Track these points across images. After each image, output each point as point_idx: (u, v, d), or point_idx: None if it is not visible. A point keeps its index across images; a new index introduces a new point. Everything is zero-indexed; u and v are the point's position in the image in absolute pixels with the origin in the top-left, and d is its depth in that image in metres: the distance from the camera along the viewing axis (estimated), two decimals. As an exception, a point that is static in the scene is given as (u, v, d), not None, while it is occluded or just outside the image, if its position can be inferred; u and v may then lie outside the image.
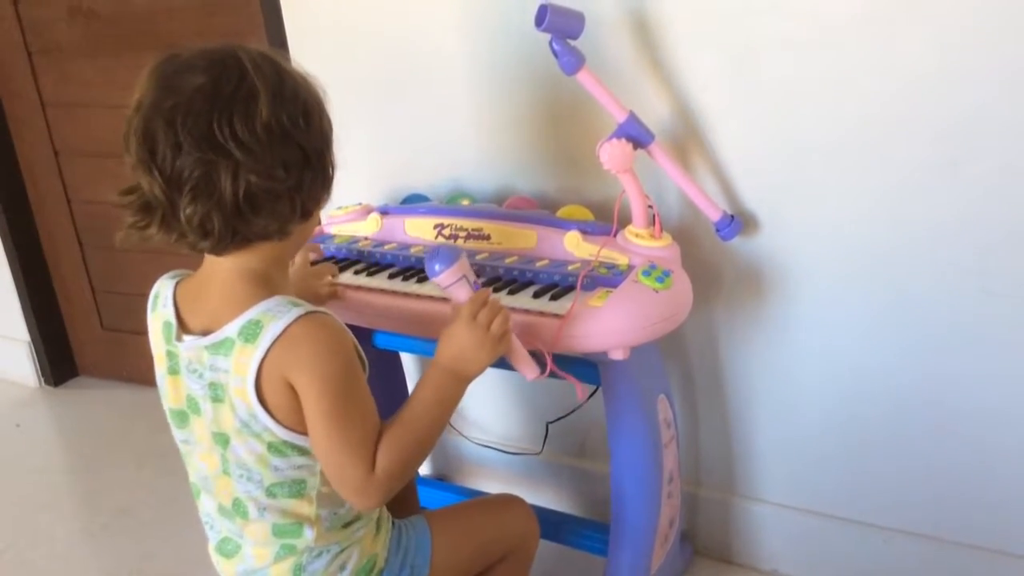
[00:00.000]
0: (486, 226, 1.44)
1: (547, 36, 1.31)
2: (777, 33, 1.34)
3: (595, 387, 1.46)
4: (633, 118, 1.35)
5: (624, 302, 1.24)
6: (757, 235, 1.46)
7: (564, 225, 1.40)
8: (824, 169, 1.38)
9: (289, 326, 1.00)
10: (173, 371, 1.09)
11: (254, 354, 1.00)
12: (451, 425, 1.88)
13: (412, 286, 1.38)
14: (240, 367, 1.01)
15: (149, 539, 1.95)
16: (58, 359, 2.71)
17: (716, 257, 1.51)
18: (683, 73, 1.42)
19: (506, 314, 1.17)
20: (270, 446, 1.05)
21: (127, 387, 2.64)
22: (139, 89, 1.00)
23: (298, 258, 1.35)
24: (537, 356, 1.23)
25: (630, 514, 1.41)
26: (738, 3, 1.35)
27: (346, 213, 1.58)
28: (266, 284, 1.05)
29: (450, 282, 1.16)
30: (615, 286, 1.27)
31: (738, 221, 1.42)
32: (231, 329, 1.02)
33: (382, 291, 1.39)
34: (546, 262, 1.36)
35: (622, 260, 1.33)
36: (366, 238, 1.54)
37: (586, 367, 1.36)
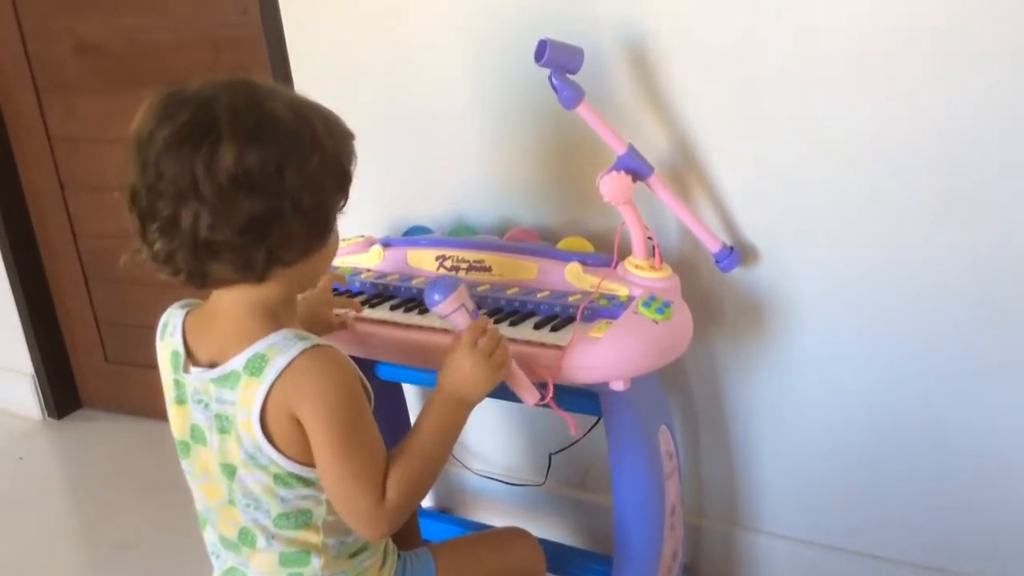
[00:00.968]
0: (487, 258, 1.45)
1: (547, 71, 1.33)
2: (774, 67, 1.35)
3: (596, 418, 1.46)
4: (632, 151, 1.36)
5: (624, 333, 1.24)
6: (757, 266, 1.47)
7: (565, 257, 1.41)
8: (822, 200, 1.39)
9: (294, 360, 1.00)
10: (180, 400, 1.10)
11: (259, 388, 1.00)
12: (454, 456, 1.89)
13: (414, 317, 1.38)
14: (246, 400, 1.01)
15: (151, 573, 1.94)
16: (61, 392, 2.70)
17: (716, 288, 1.51)
18: (682, 106, 1.44)
19: (505, 342, 1.18)
20: (276, 477, 1.05)
21: (130, 420, 2.63)
22: (136, 118, 1.02)
23: (322, 282, 1.35)
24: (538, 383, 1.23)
25: (633, 546, 1.40)
26: (735, 38, 1.37)
27: (349, 245, 1.59)
28: (272, 317, 1.06)
29: (449, 311, 1.17)
30: (615, 317, 1.27)
31: (737, 252, 1.43)
32: (237, 363, 1.03)
33: (384, 322, 1.40)
34: (547, 293, 1.37)
35: (622, 291, 1.34)
36: (368, 270, 1.55)
37: (587, 398, 1.36)
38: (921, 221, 1.34)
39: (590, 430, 1.62)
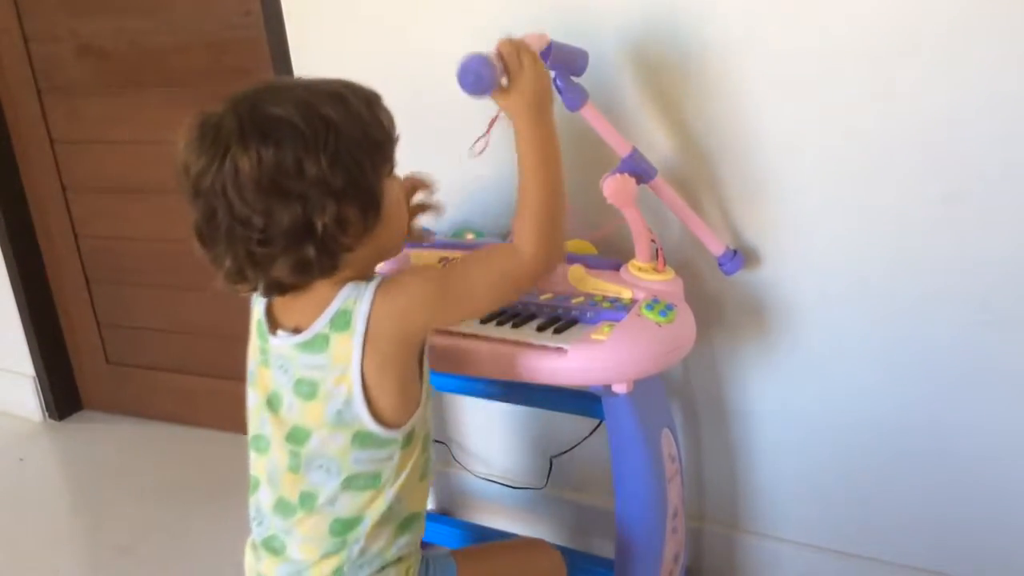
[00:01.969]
0: (490, 260, 1.44)
1: (551, 73, 1.33)
2: (777, 68, 1.36)
3: (598, 421, 1.46)
4: (636, 153, 1.36)
5: (627, 336, 1.24)
6: (759, 269, 1.47)
7: (568, 259, 1.41)
8: (825, 204, 1.39)
9: (374, 296, 1.05)
10: (264, 364, 1.13)
11: (352, 339, 1.05)
12: (454, 459, 1.89)
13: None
14: (341, 356, 1.05)
15: (153, 575, 1.94)
16: (63, 393, 2.70)
17: (719, 291, 1.51)
18: (685, 109, 1.44)
19: (520, 42, 1.18)
20: (355, 436, 1.08)
21: (132, 421, 2.63)
22: (176, 151, 1.08)
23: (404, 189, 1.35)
24: None
25: (634, 549, 1.40)
26: (737, 39, 1.37)
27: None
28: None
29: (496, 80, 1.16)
30: (618, 320, 1.27)
31: (740, 256, 1.43)
32: (320, 325, 1.07)
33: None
34: (549, 295, 1.37)
35: (625, 294, 1.34)
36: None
37: (589, 401, 1.36)
38: (923, 224, 1.34)
39: (592, 433, 1.62)
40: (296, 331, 1.09)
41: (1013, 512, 1.42)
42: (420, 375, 1.14)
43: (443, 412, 1.93)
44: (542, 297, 1.36)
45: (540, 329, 1.29)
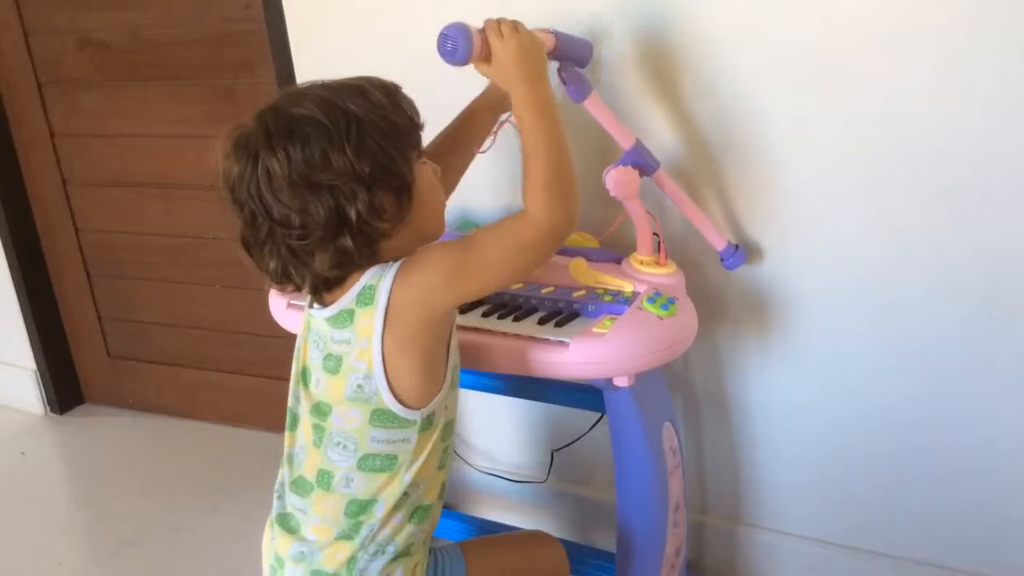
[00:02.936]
0: (491, 253, 1.44)
1: (555, 64, 1.33)
2: (780, 63, 1.35)
3: (600, 414, 1.46)
4: (639, 146, 1.36)
5: (629, 329, 1.24)
6: (761, 263, 1.47)
7: (569, 252, 1.41)
8: (827, 199, 1.39)
9: (396, 272, 1.07)
10: (307, 337, 1.17)
11: (376, 312, 1.07)
12: (456, 453, 1.89)
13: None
14: (365, 329, 1.08)
15: (153, 568, 1.94)
16: (64, 387, 2.70)
17: (721, 284, 1.51)
18: (688, 102, 1.44)
19: (513, 22, 1.20)
20: (374, 414, 1.10)
21: (133, 415, 2.63)
22: (215, 162, 1.10)
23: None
24: None
25: (636, 543, 1.40)
26: (740, 32, 1.36)
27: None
28: None
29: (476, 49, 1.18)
30: (620, 313, 1.27)
31: (742, 251, 1.43)
32: (347, 300, 1.09)
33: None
34: (551, 289, 1.36)
35: (627, 287, 1.34)
36: (372, 266, 1.54)
37: (590, 394, 1.36)
38: (926, 218, 1.33)
39: (593, 426, 1.62)
40: (327, 305, 1.12)
41: (1014, 505, 1.42)
42: (447, 359, 1.14)
43: (444, 406, 1.92)
44: (544, 290, 1.36)
45: (542, 322, 1.29)
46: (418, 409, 1.11)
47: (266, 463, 2.13)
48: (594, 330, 1.24)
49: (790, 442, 1.57)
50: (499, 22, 1.19)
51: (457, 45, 1.18)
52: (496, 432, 1.88)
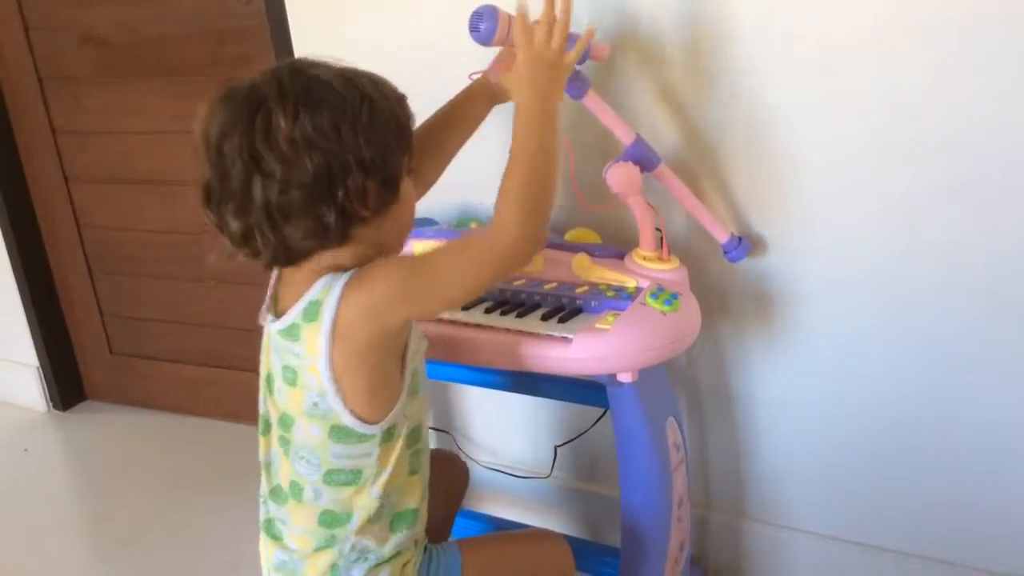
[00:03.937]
0: (494, 249, 1.44)
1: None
2: (784, 56, 1.35)
3: (603, 410, 1.45)
4: (640, 141, 1.36)
5: (632, 325, 1.24)
6: (765, 257, 1.46)
7: (572, 248, 1.40)
8: (831, 191, 1.38)
9: (344, 286, 1.02)
10: (268, 344, 1.14)
11: (321, 328, 1.03)
12: (458, 447, 1.89)
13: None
14: (311, 345, 1.04)
15: (156, 565, 1.95)
16: (66, 384, 2.71)
17: (724, 279, 1.51)
18: (688, 97, 1.43)
19: (562, 22, 1.15)
20: (332, 430, 1.07)
21: (135, 412, 2.64)
22: (196, 122, 1.03)
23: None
24: None
25: (640, 538, 1.40)
26: (744, 27, 1.36)
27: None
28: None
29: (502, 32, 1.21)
30: (623, 309, 1.27)
31: (746, 243, 1.42)
32: (295, 314, 1.05)
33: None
34: (554, 285, 1.36)
35: (630, 283, 1.33)
36: (374, 262, 1.54)
37: (594, 390, 1.35)
38: (933, 213, 1.33)
39: (596, 422, 1.61)
40: (280, 316, 1.08)
41: (1020, 501, 1.42)
42: (402, 371, 1.11)
43: (448, 402, 1.93)
44: (546, 286, 1.35)
45: (545, 318, 1.29)
46: (376, 423, 1.08)
47: (269, 459, 2.13)
48: (597, 326, 1.24)
49: (794, 437, 1.57)
50: (535, 24, 1.15)
51: (486, 25, 1.21)
52: (499, 428, 1.88)
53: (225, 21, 2.04)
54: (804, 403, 1.53)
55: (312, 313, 1.03)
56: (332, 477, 1.09)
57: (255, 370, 1.17)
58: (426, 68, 1.65)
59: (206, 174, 1.01)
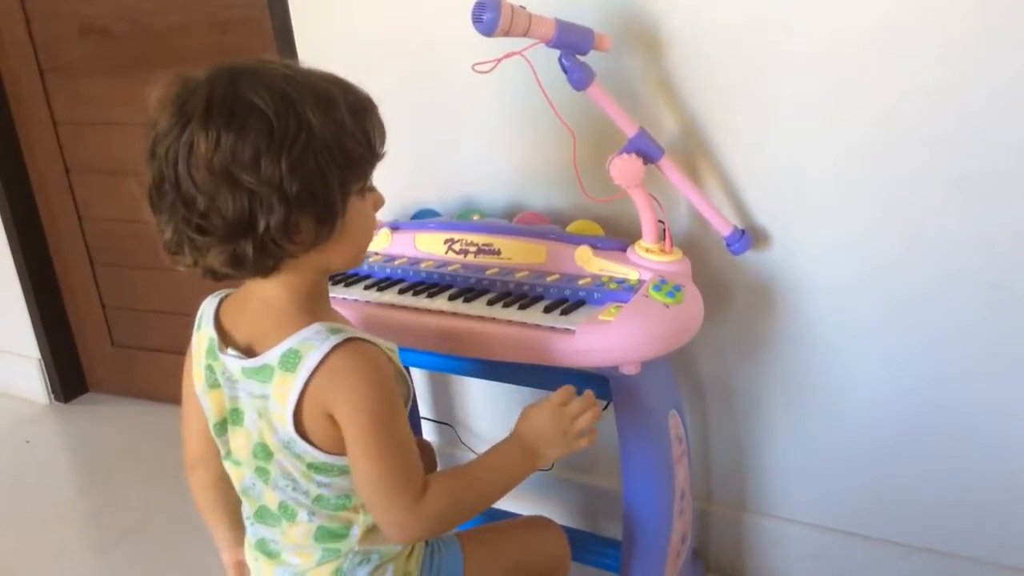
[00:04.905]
0: (496, 241, 1.44)
1: (557, 52, 1.32)
2: (787, 48, 1.34)
3: (606, 402, 1.45)
4: (643, 133, 1.35)
5: (635, 317, 1.24)
6: (768, 249, 1.46)
7: (574, 240, 1.40)
8: (834, 183, 1.38)
9: (328, 355, 0.99)
10: (213, 384, 1.09)
11: (293, 383, 1.00)
12: (460, 440, 1.89)
13: (423, 301, 1.37)
14: (280, 395, 1.01)
15: (159, 557, 1.95)
16: (68, 376, 2.71)
17: (727, 271, 1.50)
18: (691, 89, 1.43)
19: (596, 411, 1.18)
20: (310, 466, 1.05)
21: (137, 403, 2.64)
22: (149, 107, 1.01)
23: None
24: None
25: (642, 530, 1.40)
26: (746, 18, 1.35)
27: (356, 228, 1.58)
28: (305, 307, 1.04)
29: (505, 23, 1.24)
30: (625, 301, 1.26)
31: (748, 235, 1.42)
32: (271, 356, 1.02)
33: (392, 306, 1.39)
34: (556, 277, 1.36)
35: (632, 275, 1.33)
36: (376, 253, 1.54)
37: (596, 382, 1.35)
38: (936, 206, 1.32)
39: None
40: (246, 349, 1.05)
41: (1021, 494, 1.41)
42: None
43: (449, 394, 1.92)
44: (549, 278, 1.35)
45: (547, 310, 1.29)
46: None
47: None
48: (600, 318, 1.24)
49: (796, 429, 1.57)
50: (570, 402, 1.17)
51: (489, 16, 1.23)
52: (500, 419, 1.88)
53: (226, 11, 2.04)
54: (806, 395, 1.53)
55: (290, 363, 1.01)
56: (322, 502, 1.08)
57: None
58: (428, 59, 1.65)
59: (147, 175, 0.99)
